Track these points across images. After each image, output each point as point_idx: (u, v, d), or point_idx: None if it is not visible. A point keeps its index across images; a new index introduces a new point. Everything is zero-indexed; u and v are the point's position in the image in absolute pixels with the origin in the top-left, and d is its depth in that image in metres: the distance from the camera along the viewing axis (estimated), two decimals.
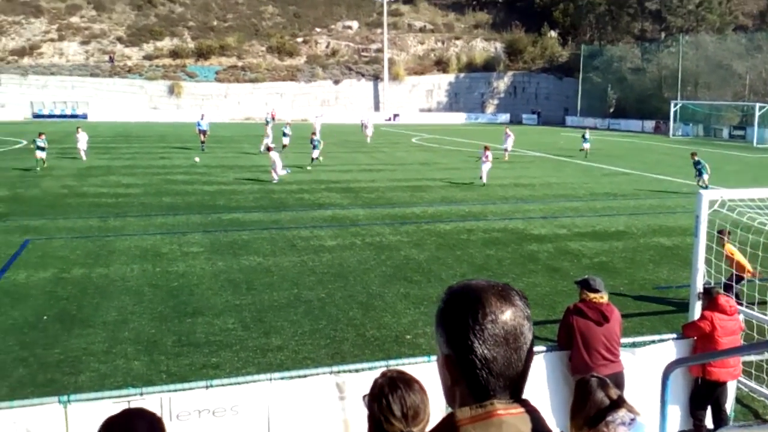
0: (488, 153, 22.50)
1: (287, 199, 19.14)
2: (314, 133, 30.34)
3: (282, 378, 5.07)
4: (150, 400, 4.52)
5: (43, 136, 24.58)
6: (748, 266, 9.22)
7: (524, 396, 1.32)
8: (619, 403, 3.63)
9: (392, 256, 12.64)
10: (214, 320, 9.00)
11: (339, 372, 5.15)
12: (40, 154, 24.28)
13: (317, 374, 5.17)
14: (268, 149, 24.60)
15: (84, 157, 27.51)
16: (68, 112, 61.72)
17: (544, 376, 5.81)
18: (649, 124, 59.57)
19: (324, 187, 21.40)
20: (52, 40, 68.52)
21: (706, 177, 20.57)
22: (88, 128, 34.26)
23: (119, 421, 2.08)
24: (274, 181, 22.18)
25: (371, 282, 10.89)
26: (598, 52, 71.82)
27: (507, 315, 1.26)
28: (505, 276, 11.36)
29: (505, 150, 31.27)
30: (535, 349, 5.92)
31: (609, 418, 3.54)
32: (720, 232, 9.14)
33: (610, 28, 76.73)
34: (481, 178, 22.27)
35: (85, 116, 61.59)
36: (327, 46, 76.91)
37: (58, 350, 7.82)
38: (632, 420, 3.48)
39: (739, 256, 9.37)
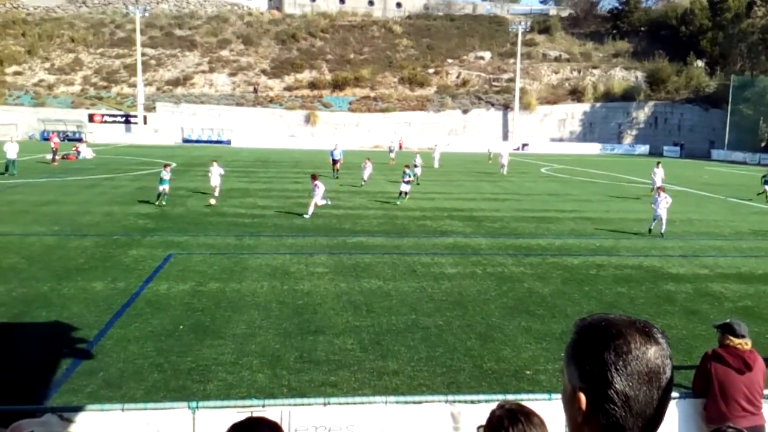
0: (663, 195, 18.21)
1: (410, 225, 19.34)
2: (414, 165, 29.64)
3: (397, 402, 5.06)
4: (271, 411, 4.68)
5: (168, 168, 22.59)
6: None
7: None
8: None
9: (514, 288, 12.32)
10: (334, 339, 9.21)
11: (455, 401, 5.06)
12: (162, 188, 21.70)
13: (432, 401, 5.11)
14: (313, 177, 20.93)
15: (213, 199, 22.40)
16: (214, 138, 66.92)
17: (676, 424, 5.38)
18: None
19: (447, 215, 21.39)
20: (203, 71, 74.94)
21: None
22: (230, 154, 36.77)
23: (244, 427, 2.17)
24: (307, 216, 19.69)
25: (491, 313, 10.67)
26: (750, 82, 66.75)
27: (651, 352, 1.22)
28: (638, 316, 10.60)
29: (654, 188, 24.67)
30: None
31: None
32: None
33: (763, 57, 71.07)
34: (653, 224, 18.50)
35: (229, 142, 66.46)
36: (458, 77, 77.64)
37: (191, 358, 8.35)
38: None
39: None
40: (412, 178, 25.10)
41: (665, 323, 10.29)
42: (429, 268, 13.75)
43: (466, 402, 5.09)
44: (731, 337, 5.33)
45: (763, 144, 64.49)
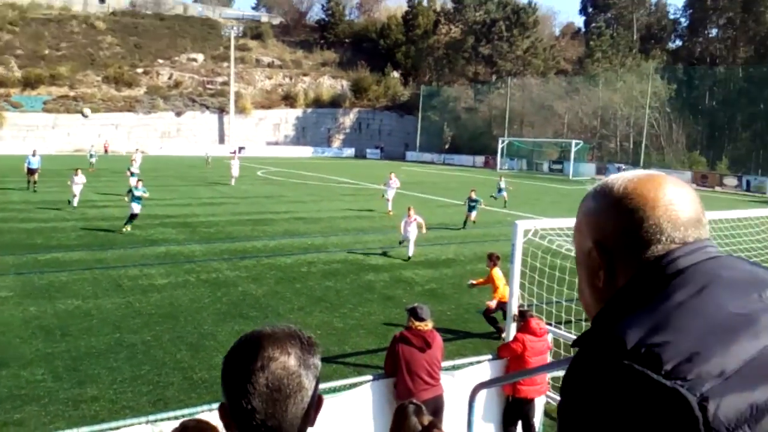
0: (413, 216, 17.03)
1: (115, 236, 17.93)
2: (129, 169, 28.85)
3: (91, 431, 4.67)
4: None
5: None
6: (502, 294, 9.71)
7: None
8: (430, 429, 3.75)
9: (229, 293, 12.25)
10: (20, 372, 8.12)
11: (156, 421, 4.85)
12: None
13: (131, 425, 4.82)
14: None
15: None
16: None
17: (370, 404, 5.89)
18: (480, 159, 64.01)
19: (158, 223, 20.35)
20: None
21: (474, 214, 21.54)
22: None
23: None
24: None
25: (203, 321, 10.46)
26: (436, 92, 76.49)
27: (276, 364, 1.23)
28: (343, 306, 11.47)
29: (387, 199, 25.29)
30: (362, 378, 6.00)
31: None
32: (490, 256, 10.47)
33: (447, 70, 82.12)
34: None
35: None
36: (170, 78, 74.28)
37: None
38: None
39: (499, 282, 10.00)
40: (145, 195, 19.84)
41: (366, 310, 11.24)
42: (137, 281, 12.93)
43: (169, 419, 4.91)
44: (414, 320, 6.01)
45: (447, 146, 74.46)
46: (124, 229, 18.46)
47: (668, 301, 0.95)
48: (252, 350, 1.25)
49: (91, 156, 40.96)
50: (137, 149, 25.36)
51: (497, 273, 10.16)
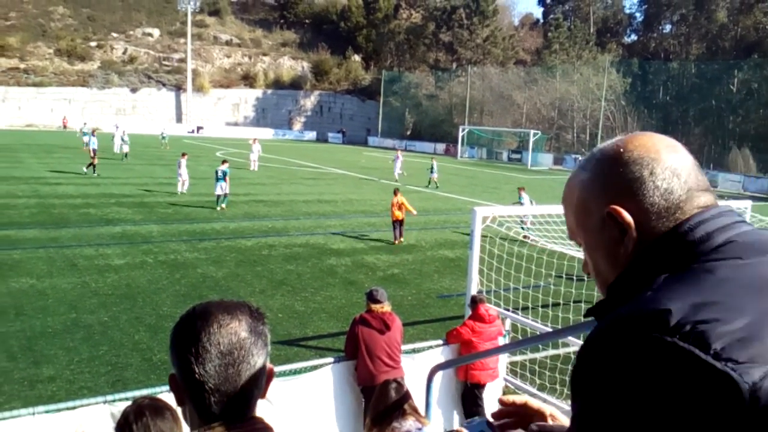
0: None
1: (70, 214, 17.51)
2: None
3: (47, 411, 4.62)
4: None
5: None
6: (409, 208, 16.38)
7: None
8: (404, 404, 3.88)
9: (188, 275, 12.15)
10: None
11: (114, 401, 4.83)
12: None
13: (89, 405, 4.79)
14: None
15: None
16: None
17: (331, 387, 5.98)
18: (441, 147, 64.41)
19: (114, 202, 19.94)
20: None
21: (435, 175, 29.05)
22: None
23: None
24: None
25: (162, 303, 10.36)
26: (398, 77, 76.37)
27: (227, 331, 1.23)
28: (304, 290, 11.51)
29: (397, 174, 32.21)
30: (323, 360, 6.08)
31: (396, 424, 3.77)
32: (395, 191, 16.94)
33: (408, 56, 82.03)
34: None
35: None
36: (124, 52, 72.22)
37: None
38: (419, 429, 3.73)
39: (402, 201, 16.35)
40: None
41: (327, 294, 11.32)
42: (93, 261, 12.69)
43: (128, 399, 4.91)
44: (371, 303, 6.12)
45: (408, 132, 74.59)
46: (218, 207, 19.95)
47: (712, 274, 0.88)
48: (202, 317, 1.25)
49: (84, 134, 39.89)
50: (255, 139, 29.73)
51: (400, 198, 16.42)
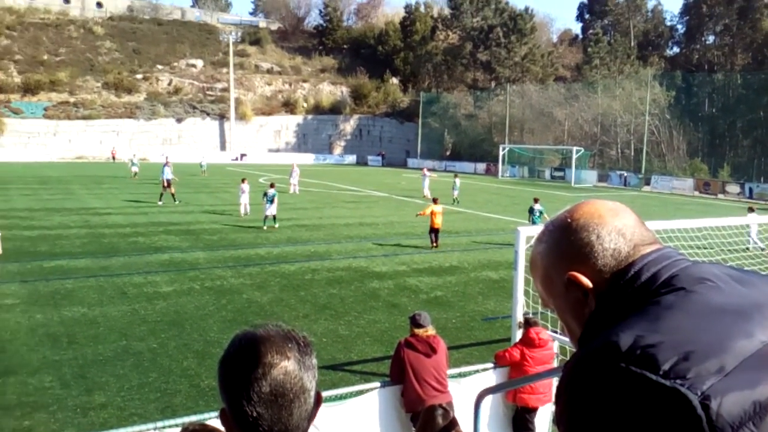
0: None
1: (119, 243, 18.00)
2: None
3: None
4: None
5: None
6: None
7: None
8: (451, 431, 3.82)
9: (233, 300, 12.31)
10: (28, 379, 8.17)
11: (164, 428, 4.89)
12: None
13: (140, 431, 4.87)
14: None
15: None
16: None
17: (377, 412, 5.92)
18: (481, 166, 64.08)
19: (162, 230, 20.42)
20: None
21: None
22: None
23: None
24: None
25: (209, 328, 10.50)
26: (436, 98, 76.59)
27: (278, 371, 1.23)
28: (348, 314, 11.52)
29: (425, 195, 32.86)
30: (369, 385, 6.03)
31: None
32: (434, 200, 19.13)
33: (446, 76, 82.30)
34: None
35: None
36: (169, 84, 74.46)
37: None
38: None
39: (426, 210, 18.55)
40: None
41: (371, 318, 11.29)
42: (142, 289, 12.98)
43: (177, 426, 4.96)
44: (414, 329, 6.06)
45: (448, 153, 74.55)
46: (265, 227, 21.31)
47: (658, 304, 0.96)
48: (250, 357, 1.24)
49: (132, 164, 41.64)
50: (294, 164, 33.95)
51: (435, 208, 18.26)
